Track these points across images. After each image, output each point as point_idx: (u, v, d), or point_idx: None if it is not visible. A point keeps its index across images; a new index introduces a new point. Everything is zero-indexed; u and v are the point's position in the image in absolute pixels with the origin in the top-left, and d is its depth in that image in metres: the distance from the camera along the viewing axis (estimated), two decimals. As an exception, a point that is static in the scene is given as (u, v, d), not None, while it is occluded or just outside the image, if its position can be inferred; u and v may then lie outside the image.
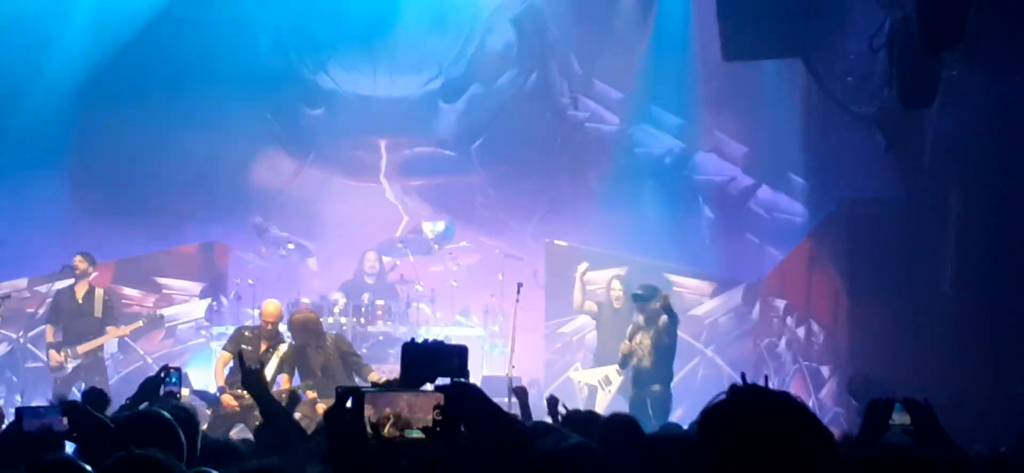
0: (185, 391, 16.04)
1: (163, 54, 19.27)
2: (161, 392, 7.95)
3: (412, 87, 20.72)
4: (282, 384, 14.37)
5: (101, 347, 16.73)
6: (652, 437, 6.34)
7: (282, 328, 14.89)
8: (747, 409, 3.49)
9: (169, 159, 19.39)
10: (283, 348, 14.53)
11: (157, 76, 19.21)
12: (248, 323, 16.14)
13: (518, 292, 15.48)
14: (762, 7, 15.21)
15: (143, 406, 7.20)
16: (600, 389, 17.20)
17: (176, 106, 19.22)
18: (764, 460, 3.41)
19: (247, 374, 7.17)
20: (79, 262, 16.70)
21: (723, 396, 3.53)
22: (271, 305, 14.79)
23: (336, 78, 20.56)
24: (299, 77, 20.49)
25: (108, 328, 16.70)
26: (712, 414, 3.53)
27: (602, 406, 16.63)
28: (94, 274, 16.89)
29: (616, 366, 16.50)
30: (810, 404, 3.80)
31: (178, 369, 8.19)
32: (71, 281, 16.92)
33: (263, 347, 14.51)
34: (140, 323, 17.24)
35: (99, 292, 16.82)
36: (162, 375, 8.03)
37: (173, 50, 19.30)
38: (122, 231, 18.97)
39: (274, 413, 6.91)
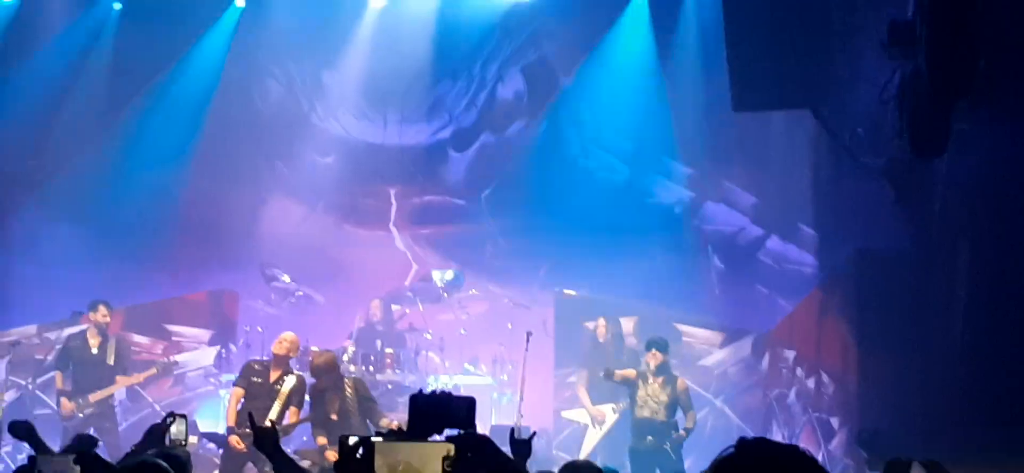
0: (193, 439, 16.09)
1: (174, 101, 19.36)
2: (166, 441, 7.92)
3: (422, 135, 20.78)
4: (289, 417, 14.37)
5: (112, 395, 16.73)
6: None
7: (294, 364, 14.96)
8: (756, 462, 3.46)
9: (179, 206, 19.46)
10: (291, 380, 14.52)
11: (168, 123, 19.30)
12: (258, 356, 16.13)
13: (527, 341, 15.49)
14: (772, 59, 15.22)
15: (150, 453, 7.18)
16: (591, 427, 17.26)
17: (187, 153, 19.30)
18: None
19: (259, 434, 7.13)
20: (104, 313, 16.69)
21: (732, 449, 3.51)
22: (288, 337, 14.82)
23: (346, 126, 20.60)
24: (309, 125, 20.54)
25: (118, 377, 16.70)
26: (722, 468, 3.51)
27: (591, 445, 16.70)
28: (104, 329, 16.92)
29: (612, 405, 16.64)
30: (820, 456, 3.77)
31: (184, 416, 8.16)
32: (83, 327, 16.94)
33: (272, 378, 14.52)
34: (153, 371, 17.28)
35: (113, 341, 16.83)
36: (169, 422, 8.01)
37: (184, 97, 19.39)
38: (131, 278, 18.99)
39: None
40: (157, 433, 8.00)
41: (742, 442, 3.50)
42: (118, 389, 16.85)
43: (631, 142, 20.31)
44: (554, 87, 20.57)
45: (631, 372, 15.74)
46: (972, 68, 11.64)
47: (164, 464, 5.49)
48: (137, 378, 17.08)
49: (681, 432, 15.35)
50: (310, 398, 14.55)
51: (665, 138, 19.83)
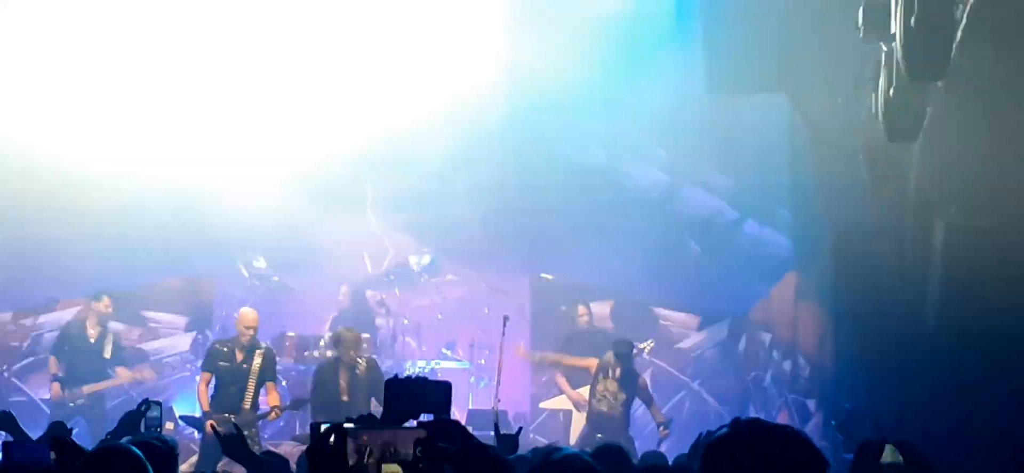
0: (169, 424, 16.08)
1: (147, 87, 19.23)
2: (142, 427, 7.93)
3: (399, 121, 20.67)
4: (269, 395, 14.36)
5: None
6: (643, 468, 6.35)
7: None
8: (752, 442, 3.48)
9: (155, 193, 19.36)
10: (259, 357, 14.50)
11: (142, 109, 19.18)
12: (221, 338, 16.02)
13: (504, 326, 15.51)
14: (747, 42, 15.26)
15: (125, 440, 7.17)
16: (576, 411, 17.38)
17: (162, 140, 19.18)
18: None
19: (226, 442, 7.21)
20: (107, 304, 16.61)
21: (725, 429, 3.52)
22: (248, 313, 14.76)
23: (322, 110, 20.50)
24: (285, 109, 20.41)
25: (118, 369, 16.60)
26: (716, 447, 3.52)
27: (578, 429, 16.81)
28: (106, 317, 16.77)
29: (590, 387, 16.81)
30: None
31: (159, 403, 8.17)
32: (81, 314, 16.88)
33: (239, 358, 14.48)
34: (148, 374, 17.19)
35: (111, 334, 16.73)
36: (143, 409, 8.00)
37: (158, 82, 19.28)
38: (107, 265, 18.87)
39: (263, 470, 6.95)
40: (132, 419, 8.00)
41: (736, 422, 3.51)
42: (116, 383, 16.75)
43: (608, 127, 20.27)
44: (530, 72, 20.49)
45: (591, 362, 15.89)
46: (946, 50, 11.67)
47: (135, 450, 5.46)
48: (135, 376, 16.96)
49: (663, 431, 15.47)
50: (314, 380, 14.71)
51: (642, 123, 19.80)
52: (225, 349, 14.69)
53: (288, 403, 15.17)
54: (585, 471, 5.12)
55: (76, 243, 18.89)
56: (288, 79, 20.32)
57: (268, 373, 14.49)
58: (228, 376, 14.48)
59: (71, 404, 16.17)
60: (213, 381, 14.55)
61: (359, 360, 14.68)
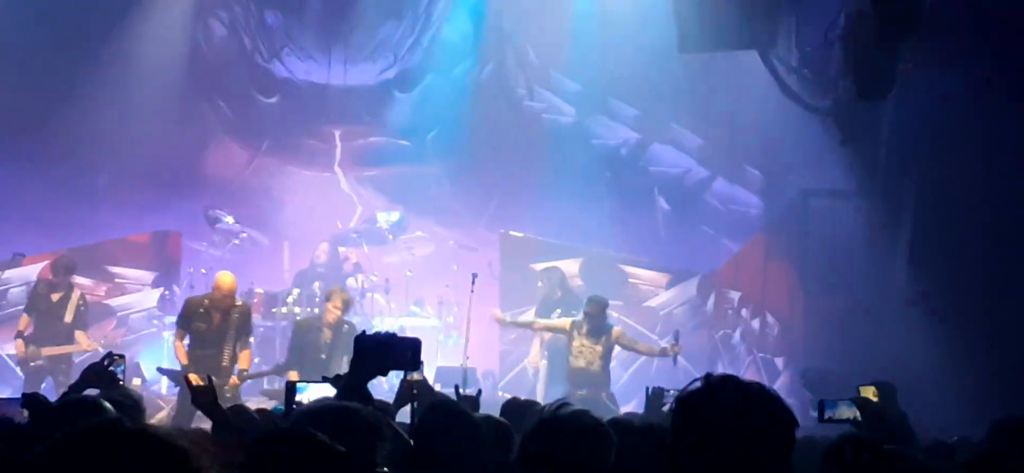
0: (137, 381, 15.98)
1: (116, 40, 19.10)
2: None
3: (367, 76, 20.63)
4: (240, 356, 14.19)
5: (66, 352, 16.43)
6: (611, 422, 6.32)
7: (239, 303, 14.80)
8: (724, 398, 3.48)
9: (122, 147, 19.23)
10: (235, 316, 14.36)
11: (110, 62, 19.04)
12: (196, 296, 15.71)
13: (473, 283, 15.49)
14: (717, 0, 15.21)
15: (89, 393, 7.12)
16: (529, 375, 17.49)
17: (129, 93, 19.06)
18: (739, 446, 3.39)
19: (197, 392, 7.14)
20: (60, 277, 16.43)
21: (698, 383, 3.53)
22: (227, 278, 14.55)
23: (290, 67, 20.43)
24: (253, 65, 20.35)
25: (77, 334, 16.42)
26: (688, 401, 3.52)
27: (540, 395, 16.86)
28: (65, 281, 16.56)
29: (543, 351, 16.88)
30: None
31: (123, 356, 8.07)
32: (49, 277, 16.74)
33: (216, 320, 14.28)
34: (99, 346, 16.94)
35: (75, 297, 16.52)
36: (106, 363, 7.91)
37: (126, 36, 19.15)
38: (74, 219, 18.78)
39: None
40: (95, 373, 7.91)
41: (709, 377, 3.52)
42: (75, 349, 16.54)
43: (577, 83, 20.25)
44: (500, 28, 20.45)
45: (564, 323, 15.80)
46: (917, 9, 11.68)
47: (105, 403, 5.40)
48: (92, 345, 16.70)
49: (674, 347, 15.46)
50: (294, 335, 14.68)
51: (611, 80, 19.78)
52: (202, 311, 14.45)
53: (263, 368, 15.02)
54: (594, 427, 5.10)
55: (42, 196, 18.78)
56: (255, 32, 20.24)
57: (244, 329, 14.37)
58: (203, 336, 14.25)
59: (31, 364, 16.02)
60: (187, 339, 14.33)
61: (344, 321, 14.67)
